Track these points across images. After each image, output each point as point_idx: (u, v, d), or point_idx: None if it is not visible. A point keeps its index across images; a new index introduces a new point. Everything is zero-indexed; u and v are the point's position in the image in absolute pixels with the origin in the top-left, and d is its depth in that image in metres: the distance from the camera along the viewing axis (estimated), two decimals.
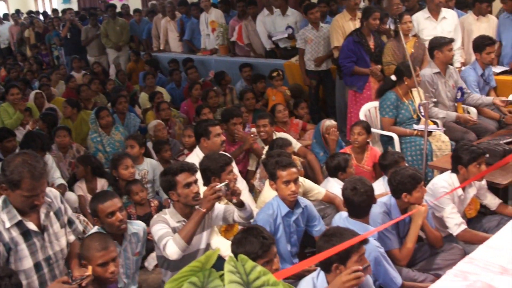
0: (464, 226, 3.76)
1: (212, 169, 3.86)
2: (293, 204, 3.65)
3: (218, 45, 9.45)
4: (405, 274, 3.46)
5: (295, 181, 3.59)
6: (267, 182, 4.00)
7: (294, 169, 3.61)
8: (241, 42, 8.98)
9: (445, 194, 3.70)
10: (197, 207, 3.23)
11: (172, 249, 3.16)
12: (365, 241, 2.72)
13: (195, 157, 4.48)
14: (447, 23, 6.33)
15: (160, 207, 4.61)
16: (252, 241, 2.70)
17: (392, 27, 6.19)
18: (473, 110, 5.72)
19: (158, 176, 4.04)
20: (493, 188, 4.17)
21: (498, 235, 3.27)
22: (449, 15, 6.38)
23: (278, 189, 3.62)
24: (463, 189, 3.88)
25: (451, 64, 5.85)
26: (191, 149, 5.11)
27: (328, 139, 5.24)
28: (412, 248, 3.53)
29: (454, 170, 3.89)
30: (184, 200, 3.35)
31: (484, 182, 4.05)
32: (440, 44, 5.39)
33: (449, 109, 5.46)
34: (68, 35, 11.31)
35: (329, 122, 5.33)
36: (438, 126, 5.11)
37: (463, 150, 3.82)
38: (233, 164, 4.44)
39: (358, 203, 3.34)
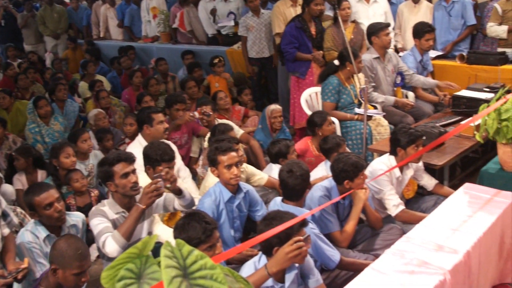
0: (402, 207, 3.86)
1: (153, 159, 3.81)
2: (235, 189, 3.65)
3: (160, 32, 9.32)
4: (345, 255, 3.52)
5: (237, 164, 3.60)
6: (209, 170, 3.99)
7: (234, 153, 3.61)
8: (183, 29, 8.89)
9: (382, 174, 3.75)
10: (136, 203, 3.18)
11: (112, 247, 3.08)
12: (304, 224, 2.76)
13: (138, 145, 4.42)
14: (378, 6, 6.53)
15: (101, 197, 4.51)
16: (194, 226, 2.68)
17: (331, 13, 6.26)
18: (411, 94, 5.88)
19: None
20: (430, 169, 4.30)
21: (433, 214, 3.38)
22: None
23: (220, 174, 3.61)
24: (401, 171, 3.98)
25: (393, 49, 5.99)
26: (132, 137, 5.03)
27: (271, 122, 5.30)
28: (352, 231, 3.59)
29: (393, 152, 3.99)
30: (122, 191, 3.28)
31: (421, 163, 4.16)
32: (376, 30, 5.50)
33: (388, 94, 5.58)
34: (2, 22, 10.89)
35: (274, 107, 5.38)
36: (378, 110, 5.22)
37: (402, 133, 3.91)
38: (176, 151, 4.41)
39: (293, 185, 3.38)
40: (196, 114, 5.22)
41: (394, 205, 3.84)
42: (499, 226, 3.36)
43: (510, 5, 6.24)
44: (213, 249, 2.70)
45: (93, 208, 3.38)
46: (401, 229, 3.78)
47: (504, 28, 6.23)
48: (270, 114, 5.32)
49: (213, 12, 8.30)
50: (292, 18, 6.15)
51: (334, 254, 3.26)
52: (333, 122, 4.92)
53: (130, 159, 3.32)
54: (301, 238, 2.65)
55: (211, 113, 5.15)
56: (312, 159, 4.77)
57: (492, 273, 3.37)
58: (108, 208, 3.30)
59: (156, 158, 3.78)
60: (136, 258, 1.71)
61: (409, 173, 4.06)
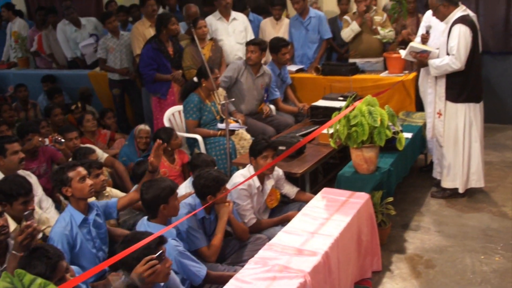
0: (253, 220, 3.99)
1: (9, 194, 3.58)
2: (86, 209, 3.54)
3: (17, 58, 8.89)
4: (214, 270, 3.54)
5: (96, 175, 3.63)
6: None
7: (81, 168, 3.53)
8: (42, 52, 8.57)
9: (238, 185, 3.81)
10: (13, 251, 2.95)
11: None
12: (162, 241, 2.74)
13: None
14: (238, 23, 6.72)
15: None
16: (35, 264, 2.55)
17: (184, 32, 6.34)
18: (272, 107, 6.09)
19: None
20: (292, 177, 4.46)
21: (293, 220, 3.51)
22: (239, 16, 6.80)
23: (76, 190, 3.47)
24: (261, 181, 4.09)
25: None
26: None
27: (137, 142, 5.27)
28: (219, 245, 3.62)
29: (251, 163, 4.11)
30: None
31: (281, 173, 4.31)
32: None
33: (252, 107, 5.76)
34: None
35: (142, 127, 5.35)
36: (239, 124, 5.34)
37: (254, 144, 4.06)
38: (36, 181, 4.22)
39: (147, 202, 3.38)
40: (47, 140, 5.03)
41: (248, 217, 3.95)
42: (355, 225, 3.56)
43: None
44: (62, 281, 2.58)
45: None
46: (267, 238, 3.87)
47: (354, 22, 6.54)
48: (137, 133, 5.30)
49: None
50: (148, 40, 6.14)
51: (199, 269, 3.27)
52: (178, 137, 5.01)
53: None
54: (154, 256, 2.63)
55: (63, 140, 4.98)
56: (166, 170, 4.81)
57: (352, 270, 3.55)
58: None
59: (12, 193, 3.57)
60: None
61: (269, 183, 4.18)
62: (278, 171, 4.28)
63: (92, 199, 3.82)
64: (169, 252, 2.96)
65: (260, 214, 4.16)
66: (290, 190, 4.35)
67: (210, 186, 3.59)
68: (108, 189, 4.22)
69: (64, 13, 8.14)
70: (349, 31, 6.62)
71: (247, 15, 7.23)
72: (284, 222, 3.90)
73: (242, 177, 3.98)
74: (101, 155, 5.06)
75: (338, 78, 6.30)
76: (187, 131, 5.36)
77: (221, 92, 5.36)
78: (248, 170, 4.09)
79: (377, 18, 6.63)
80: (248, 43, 5.87)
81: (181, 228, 3.56)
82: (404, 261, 4.09)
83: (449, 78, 4.75)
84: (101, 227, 3.61)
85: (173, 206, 3.38)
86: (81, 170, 3.51)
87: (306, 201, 4.16)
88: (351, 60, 6.75)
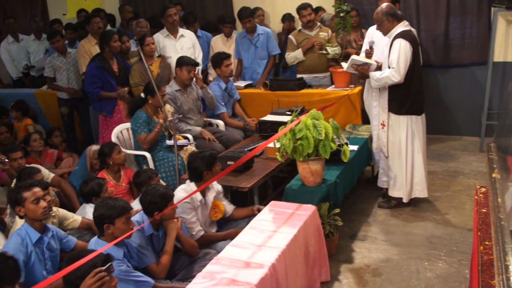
0: (201, 232, 4.01)
1: None
2: (43, 229, 3.50)
3: None
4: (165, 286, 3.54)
5: (43, 198, 3.48)
6: (17, 217, 3.78)
7: (38, 188, 3.49)
8: None
9: (182, 200, 3.83)
10: None
11: None
12: (109, 259, 2.74)
13: None
14: (186, 40, 6.76)
15: None
16: None
17: (136, 49, 6.33)
18: (220, 123, 6.13)
19: None
20: (240, 192, 4.49)
21: (241, 234, 3.54)
22: (186, 33, 6.87)
23: (28, 212, 3.43)
24: (203, 194, 4.11)
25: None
26: None
27: (92, 163, 5.22)
28: (168, 261, 3.62)
29: (193, 178, 4.13)
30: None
31: (220, 188, 4.32)
32: (180, 63, 5.71)
33: (197, 122, 5.79)
34: None
35: (95, 147, 5.30)
36: (188, 140, 5.36)
37: (198, 159, 4.08)
38: None
39: (94, 219, 3.38)
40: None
41: (195, 230, 3.97)
42: (302, 237, 3.61)
43: (302, 36, 6.82)
44: None
45: None
46: (216, 252, 3.88)
47: (299, 50, 6.74)
48: (92, 155, 5.25)
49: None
50: (92, 58, 6.10)
51: (146, 282, 3.27)
52: (121, 151, 4.98)
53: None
54: (102, 269, 2.63)
55: (6, 160, 4.89)
56: (112, 189, 4.77)
57: (301, 281, 3.60)
58: None
59: None
60: None
61: (211, 195, 4.19)
62: (218, 186, 4.31)
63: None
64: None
65: (207, 227, 4.17)
66: (227, 207, 4.35)
67: (157, 202, 3.60)
68: (55, 209, 4.14)
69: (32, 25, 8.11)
70: (293, 57, 6.81)
71: (196, 31, 7.29)
72: (232, 236, 3.93)
73: (184, 192, 4.00)
74: (47, 175, 4.98)
75: (286, 93, 6.41)
76: (137, 148, 5.34)
77: (169, 108, 5.37)
78: (189, 185, 4.11)
79: (322, 35, 6.80)
80: (185, 64, 5.86)
81: (129, 245, 3.54)
82: (352, 271, 4.18)
83: (391, 90, 4.90)
84: (54, 250, 3.57)
85: (120, 229, 3.32)
86: (37, 191, 3.47)
87: (244, 217, 4.23)
88: (298, 75, 6.88)
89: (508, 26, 6.96)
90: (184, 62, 5.77)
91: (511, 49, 7.01)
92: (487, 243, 2.92)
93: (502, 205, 2.84)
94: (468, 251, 4.23)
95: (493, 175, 3.31)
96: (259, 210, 4.05)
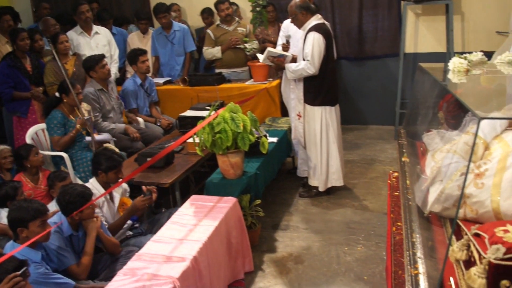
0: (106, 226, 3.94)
1: None
2: None
3: None
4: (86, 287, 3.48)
5: None
6: None
7: None
8: None
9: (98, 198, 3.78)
10: None
11: None
12: (23, 265, 2.67)
13: None
14: (100, 37, 6.64)
15: None
16: None
17: (49, 47, 6.15)
18: (140, 120, 6.07)
19: None
20: (162, 188, 4.47)
21: (162, 229, 3.54)
22: (101, 30, 6.74)
23: None
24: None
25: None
26: None
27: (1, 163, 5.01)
28: (89, 261, 3.55)
29: (95, 173, 4.08)
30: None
31: (126, 186, 4.30)
32: (91, 66, 5.58)
33: (117, 120, 5.69)
34: None
35: (2, 147, 5.08)
36: (104, 136, 5.28)
37: (104, 157, 4.03)
38: None
39: (8, 223, 3.27)
40: None
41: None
42: (224, 229, 3.65)
43: (220, 31, 6.85)
44: None
45: None
46: (139, 249, 3.85)
47: (218, 48, 6.80)
48: (0, 155, 5.03)
49: None
50: (3, 57, 5.87)
51: (66, 283, 3.21)
52: (39, 152, 4.84)
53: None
54: (18, 273, 2.56)
55: None
56: (31, 192, 4.63)
57: (224, 272, 3.64)
58: None
59: None
60: None
61: (118, 191, 4.15)
62: (124, 184, 4.28)
63: None
64: (31, 277, 2.87)
65: None
66: None
67: (76, 202, 3.51)
68: None
69: None
70: (210, 53, 6.86)
71: (111, 28, 7.17)
72: (132, 213, 4.00)
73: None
74: None
75: (205, 88, 6.43)
76: (53, 149, 5.19)
77: (86, 106, 5.26)
78: (91, 184, 4.04)
79: (240, 30, 6.85)
80: (95, 63, 5.68)
81: (48, 248, 3.45)
82: (275, 260, 4.26)
83: (306, 82, 5.02)
84: None
85: (34, 232, 3.20)
86: None
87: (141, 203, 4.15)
88: (217, 70, 6.91)
89: (417, 19, 7.29)
90: (95, 61, 5.61)
91: (420, 40, 7.35)
92: (398, 224, 3.06)
93: (410, 186, 2.99)
94: (385, 234, 4.40)
95: (403, 159, 3.48)
96: (148, 190, 4.09)
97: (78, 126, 5.03)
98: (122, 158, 4.20)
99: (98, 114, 5.41)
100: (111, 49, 6.67)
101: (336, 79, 5.20)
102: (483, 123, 2.30)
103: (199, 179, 5.39)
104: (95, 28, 6.65)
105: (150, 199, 4.07)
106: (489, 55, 3.61)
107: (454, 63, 3.17)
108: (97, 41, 6.57)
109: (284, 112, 6.15)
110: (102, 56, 5.67)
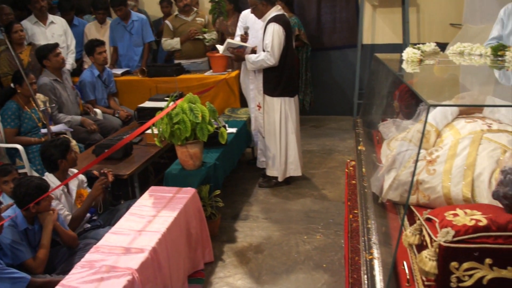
0: (69, 217, 3.86)
1: None
2: None
3: None
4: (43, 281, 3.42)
5: None
6: None
7: None
8: None
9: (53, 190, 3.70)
10: None
11: None
12: None
13: None
14: (56, 27, 6.51)
15: None
16: None
17: (2, 36, 6.00)
18: (98, 112, 5.99)
19: None
20: (121, 180, 4.42)
21: (120, 221, 3.51)
22: (57, 20, 6.61)
23: None
24: (66, 183, 3.99)
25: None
26: None
27: None
28: (45, 255, 3.49)
29: (49, 169, 3.97)
30: None
31: (83, 177, 4.22)
32: (44, 55, 5.47)
33: (73, 111, 5.63)
34: None
35: None
36: (62, 126, 5.19)
37: (52, 147, 3.90)
38: None
39: None
40: None
41: (63, 216, 3.86)
42: (183, 220, 3.64)
43: (178, 22, 6.80)
44: None
45: None
46: (96, 241, 3.81)
47: (177, 39, 6.76)
48: None
49: None
50: None
51: (21, 278, 3.15)
52: None
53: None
54: None
55: None
56: None
57: (184, 263, 3.64)
58: None
59: None
60: None
61: (73, 183, 4.09)
62: (81, 175, 4.21)
63: None
64: None
65: None
66: None
67: (32, 194, 3.45)
68: None
69: None
70: (169, 45, 6.81)
71: (72, 19, 7.04)
72: (92, 199, 3.95)
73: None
74: None
75: (164, 79, 6.37)
76: (6, 141, 5.07)
77: (42, 97, 5.15)
78: (47, 177, 3.96)
79: (199, 20, 6.82)
80: (49, 52, 5.58)
81: (2, 242, 3.38)
82: (235, 250, 4.28)
83: (266, 73, 5.04)
84: None
85: None
86: None
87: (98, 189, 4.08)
88: (176, 61, 6.87)
89: (374, 11, 7.39)
90: (48, 49, 5.51)
91: (378, 32, 7.46)
92: (355, 211, 3.12)
93: (366, 174, 3.05)
94: (343, 222, 4.48)
95: (359, 147, 3.54)
96: (102, 173, 4.05)
97: (42, 140, 4.94)
98: (67, 139, 4.09)
99: (54, 105, 5.31)
100: (68, 39, 6.55)
101: (296, 70, 5.23)
102: (435, 111, 2.36)
103: (158, 171, 5.35)
104: (51, 17, 6.51)
105: (107, 180, 4.01)
106: (443, 46, 3.70)
107: (408, 53, 3.24)
108: (52, 31, 6.44)
109: (243, 103, 6.16)
110: (56, 45, 5.57)
